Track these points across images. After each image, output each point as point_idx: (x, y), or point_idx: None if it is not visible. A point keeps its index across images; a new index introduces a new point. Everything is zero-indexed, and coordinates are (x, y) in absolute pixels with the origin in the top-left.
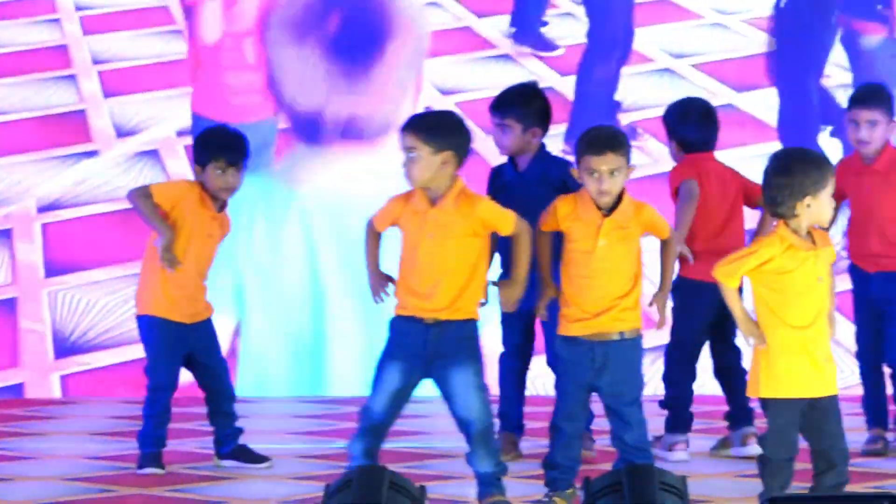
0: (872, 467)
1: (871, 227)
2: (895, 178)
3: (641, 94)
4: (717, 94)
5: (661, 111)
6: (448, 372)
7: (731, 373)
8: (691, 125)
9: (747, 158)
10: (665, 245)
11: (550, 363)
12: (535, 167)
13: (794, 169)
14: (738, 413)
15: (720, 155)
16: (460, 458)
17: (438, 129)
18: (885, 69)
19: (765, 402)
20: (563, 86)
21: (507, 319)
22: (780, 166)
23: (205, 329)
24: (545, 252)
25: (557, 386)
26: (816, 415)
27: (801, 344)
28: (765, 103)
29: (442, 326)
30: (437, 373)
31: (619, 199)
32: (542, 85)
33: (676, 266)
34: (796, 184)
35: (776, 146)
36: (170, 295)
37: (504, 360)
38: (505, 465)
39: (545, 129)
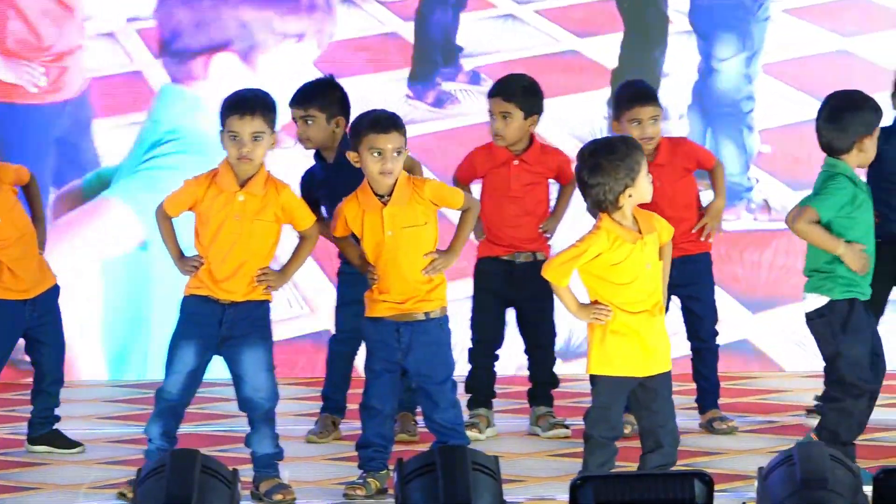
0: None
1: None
2: (672, 169)
3: (484, 40)
4: (560, 40)
5: (503, 56)
6: (240, 352)
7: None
8: None
9: (589, 102)
10: (463, 214)
11: None
12: (343, 156)
13: (604, 167)
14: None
15: (561, 101)
16: None
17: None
18: None
19: (594, 380)
20: (406, 30)
21: (340, 306)
22: (590, 168)
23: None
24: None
25: (367, 366)
26: (645, 395)
27: (633, 327)
28: (607, 49)
29: (237, 308)
30: (229, 352)
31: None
32: (383, 30)
33: None
34: (612, 180)
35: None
36: None
37: (333, 343)
38: (282, 449)
39: (347, 119)
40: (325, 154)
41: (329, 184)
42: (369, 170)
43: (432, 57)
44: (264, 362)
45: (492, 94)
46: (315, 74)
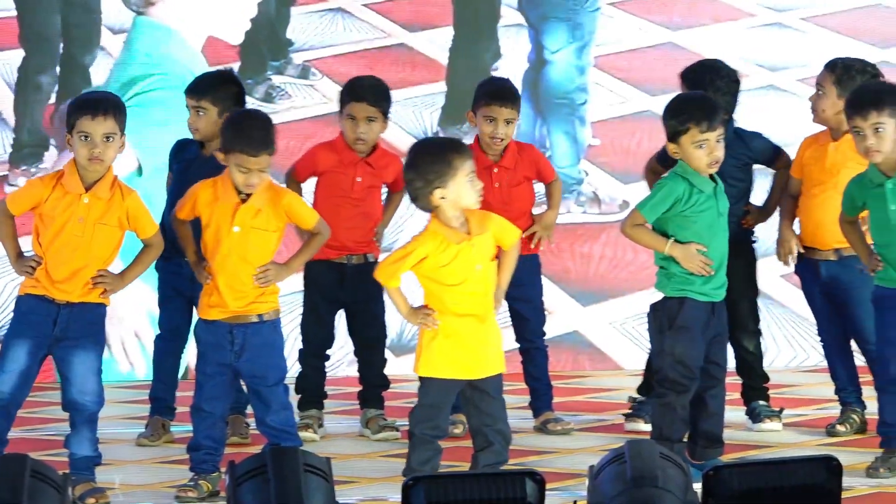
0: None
1: None
2: (514, 174)
3: (314, 34)
4: (391, 34)
5: (334, 50)
6: (71, 353)
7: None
8: None
9: (419, 99)
10: (313, 236)
11: None
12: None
13: (418, 163)
14: None
15: (392, 94)
16: (103, 445)
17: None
18: None
19: (421, 380)
20: None
21: (163, 302)
22: (407, 162)
23: None
24: (189, 238)
25: (198, 368)
26: (475, 394)
27: (462, 329)
28: (438, 43)
29: (73, 308)
30: (60, 353)
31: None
32: None
33: None
34: (421, 180)
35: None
36: None
37: (159, 342)
38: (101, 453)
39: None
40: (208, 145)
41: (198, 170)
42: (235, 181)
43: (259, 51)
44: (94, 366)
45: (358, 98)
46: None
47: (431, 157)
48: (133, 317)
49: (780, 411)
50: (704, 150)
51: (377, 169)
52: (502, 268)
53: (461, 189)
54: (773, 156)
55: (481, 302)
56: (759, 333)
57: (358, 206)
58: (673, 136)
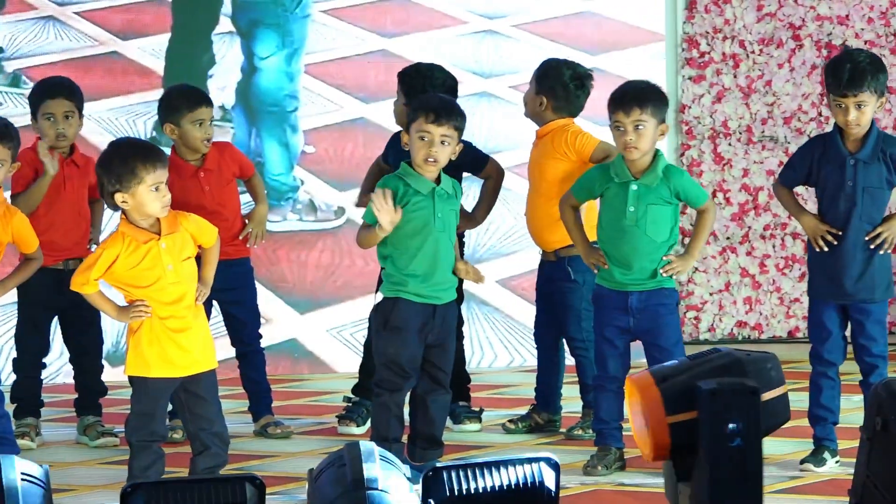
0: None
1: None
2: (220, 174)
3: (25, 42)
4: (103, 42)
5: (46, 59)
6: None
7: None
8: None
9: (133, 107)
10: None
11: None
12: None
13: (105, 164)
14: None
15: (105, 103)
16: None
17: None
18: None
19: (132, 382)
20: None
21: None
22: (100, 158)
23: None
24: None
25: None
26: (189, 399)
27: (166, 330)
28: (150, 50)
29: None
30: None
31: None
32: None
33: None
34: (107, 180)
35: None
36: None
37: None
38: None
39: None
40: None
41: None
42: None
43: None
44: None
45: (53, 95)
46: None
47: (119, 161)
48: None
49: (480, 412)
50: (425, 142)
51: (82, 167)
52: (204, 264)
53: (144, 197)
54: (481, 164)
55: (181, 301)
56: (461, 337)
57: (74, 209)
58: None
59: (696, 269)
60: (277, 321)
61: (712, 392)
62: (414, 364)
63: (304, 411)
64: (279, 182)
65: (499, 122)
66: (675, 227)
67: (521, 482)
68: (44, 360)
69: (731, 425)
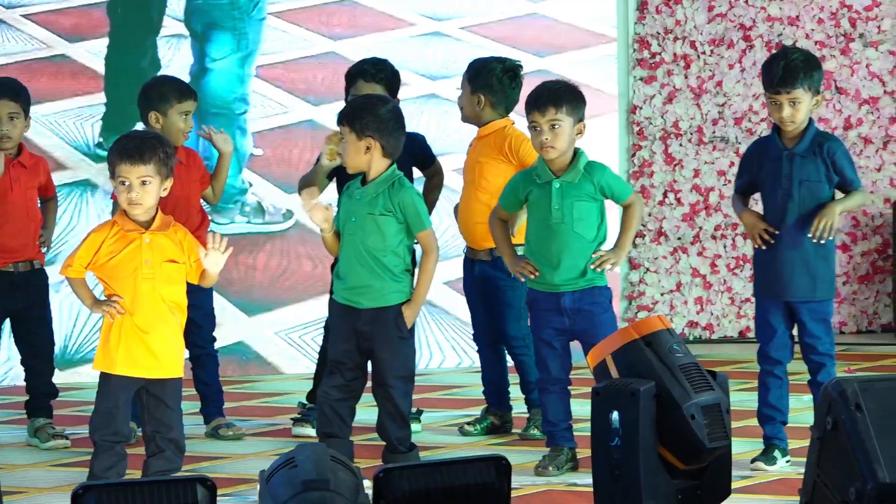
0: None
1: None
2: (189, 176)
3: None
4: (51, 45)
5: None
6: None
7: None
8: None
9: (81, 110)
10: None
11: None
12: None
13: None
14: None
15: (52, 105)
16: None
17: None
18: None
19: (100, 378)
20: None
21: None
22: None
23: None
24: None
25: None
26: (151, 402)
27: (134, 329)
28: (98, 52)
29: None
30: None
31: None
32: None
33: None
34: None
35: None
36: None
37: None
38: None
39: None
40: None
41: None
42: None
43: None
44: None
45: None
46: None
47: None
48: None
49: (420, 413)
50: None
51: (30, 168)
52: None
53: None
54: (429, 162)
55: (147, 301)
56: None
57: (21, 209)
58: None
59: (647, 269)
60: (226, 323)
61: (596, 392)
62: (347, 364)
63: (255, 413)
64: (227, 185)
65: (445, 125)
66: (603, 225)
67: (472, 482)
68: None
69: (613, 422)
